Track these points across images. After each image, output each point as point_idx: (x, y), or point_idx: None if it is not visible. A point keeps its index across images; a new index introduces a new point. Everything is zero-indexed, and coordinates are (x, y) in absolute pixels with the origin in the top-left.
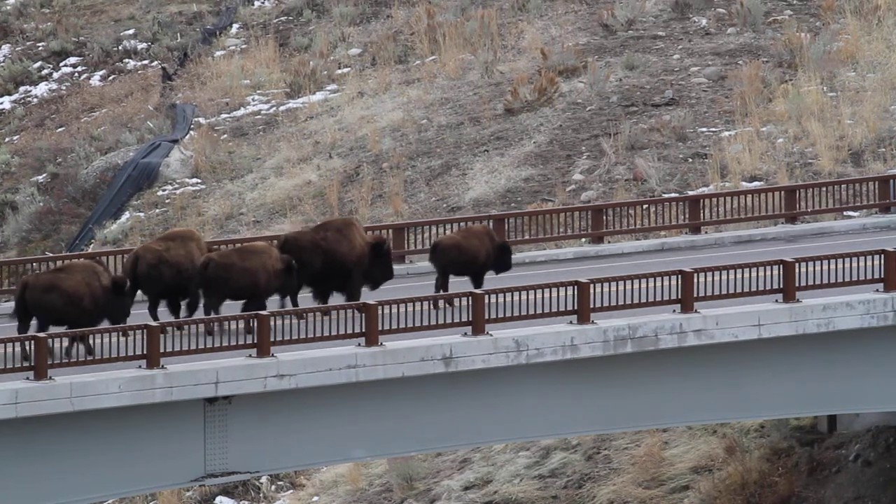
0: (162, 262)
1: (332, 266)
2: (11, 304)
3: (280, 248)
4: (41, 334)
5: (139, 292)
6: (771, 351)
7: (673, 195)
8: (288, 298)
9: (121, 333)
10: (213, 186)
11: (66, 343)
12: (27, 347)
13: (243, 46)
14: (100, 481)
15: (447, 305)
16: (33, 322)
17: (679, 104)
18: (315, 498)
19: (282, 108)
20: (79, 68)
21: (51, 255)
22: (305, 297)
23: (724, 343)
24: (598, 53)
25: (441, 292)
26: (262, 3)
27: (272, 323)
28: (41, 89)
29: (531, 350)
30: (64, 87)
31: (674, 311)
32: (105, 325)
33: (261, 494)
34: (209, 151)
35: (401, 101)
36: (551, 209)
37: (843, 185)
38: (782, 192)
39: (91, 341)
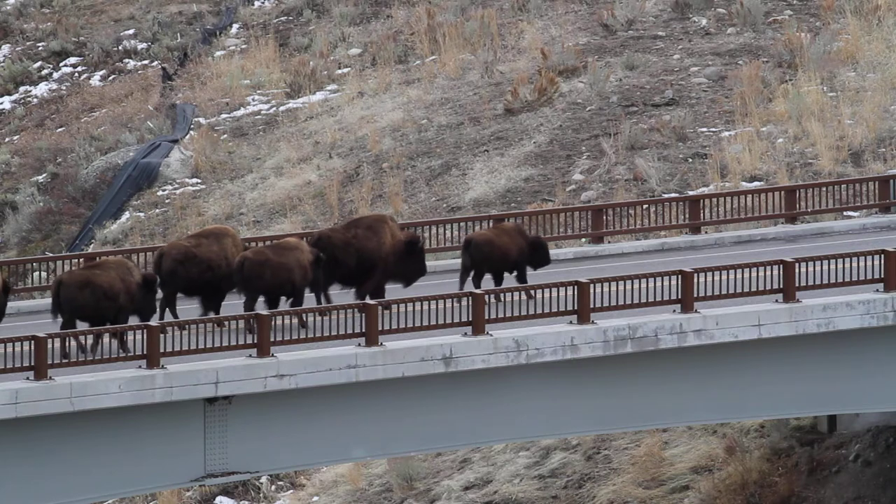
0: (189, 259)
1: (362, 263)
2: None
3: (312, 245)
4: (41, 334)
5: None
6: (771, 351)
7: (673, 195)
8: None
9: (119, 333)
10: (213, 186)
11: (90, 340)
12: (64, 343)
13: (243, 46)
14: (100, 481)
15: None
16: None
17: (679, 104)
18: (315, 498)
19: (282, 108)
20: (79, 68)
21: (50, 255)
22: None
23: (724, 343)
24: (598, 53)
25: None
26: (262, 3)
27: (273, 322)
28: (41, 89)
29: (531, 350)
30: (64, 87)
31: (674, 311)
32: (134, 320)
33: (261, 494)
34: (209, 151)
35: (401, 101)
36: (551, 209)
37: (843, 185)
38: (782, 192)
39: (91, 341)
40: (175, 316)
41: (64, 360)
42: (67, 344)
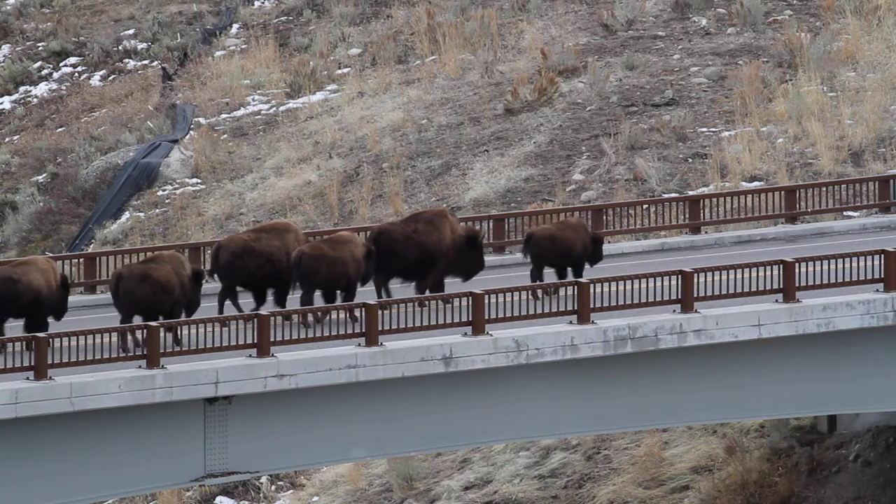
0: (247, 252)
1: (422, 257)
2: None
3: (373, 240)
4: (41, 334)
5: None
6: (771, 351)
7: (673, 195)
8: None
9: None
10: (213, 186)
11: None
12: (139, 335)
13: (243, 46)
14: (100, 481)
15: (444, 305)
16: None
17: (679, 104)
18: (315, 498)
19: (282, 108)
20: (79, 68)
21: (50, 255)
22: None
23: (724, 343)
24: (598, 53)
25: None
26: (262, 3)
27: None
28: (41, 89)
29: (531, 350)
30: (64, 87)
31: (674, 311)
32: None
33: (261, 494)
34: (209, 151)
35: (401, 101)
36: (551, 209)
37: (843, 185)
38: (782, 192)
39: (91, 340)
40: (238, 309)
41: (122, 354)
42: (128, 338)
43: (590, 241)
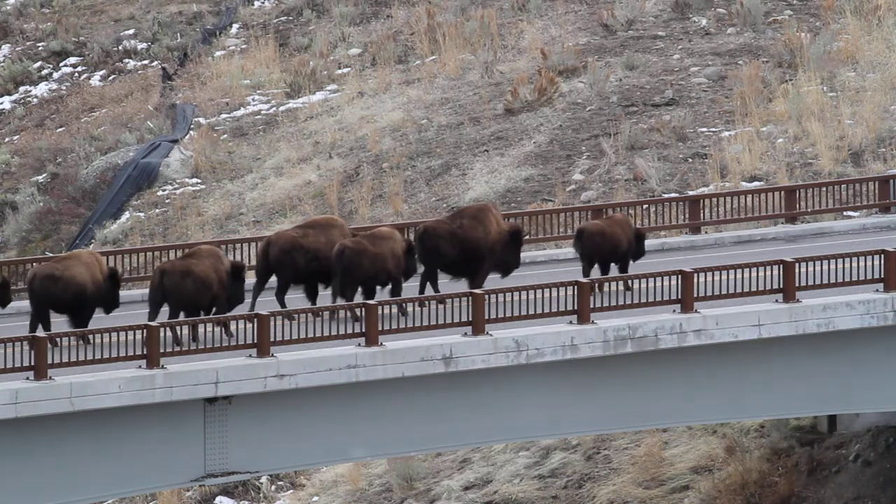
0: (295, 248)
1: (467, 253)
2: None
3: (419, 237)
4: (41, 334)
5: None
6: (771, 351)
7: (673, 195)
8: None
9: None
10: (213, 186)
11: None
12: (176, 332)
13: (243, 46)
14: (100, 481)
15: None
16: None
17: (679, 104)
18: (315, 498)
19: (282, 108)
20: (79, 68)
21: (50, 255)
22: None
23: (724, 343)
24: (598, 53)
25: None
26: (262, 3)
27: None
28: (41, 89)
29: (531, 350)
30: (64, 87)
31: (674, 311)
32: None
33: (261, 494)
34: (209, 151)
35: (401, 101)
36: (551, 209)
37: (843, 185)
38: (782, 192)
39: (91, 340)
40: (283, 305)
41: (177, 348)
42: (179, 332)
43: (633, 237)
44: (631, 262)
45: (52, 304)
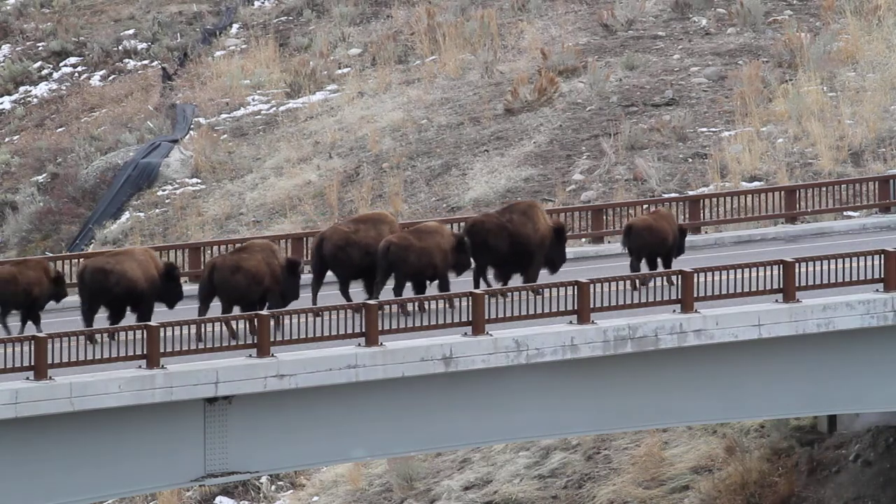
0: (349, 244)
1: (516, 248)
2: None
3: (467, 232)
4: (41, 334)
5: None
6: (771, 351)
7: (673, 195)
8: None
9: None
10: (213, 186)
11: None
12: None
13: (243, 46)
14: (100, 481)
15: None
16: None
17: (679, 104)
18: (315, 498)
19: (282, 108)
20: (79, 68)
21: (50, 255)
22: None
23: (724, 343)
24: (598, 53)
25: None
26: (262, 3)
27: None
28: (41, 89)
29: (531, 350)
30: (64, 87)
31: (674, 311)
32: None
33: (261, 494)
34: (209, 151)
35: (401, 101)
36: (551, 209)
37: (843, 185)
38: (782, 192)
39: (95, 339)
40: (348, 299)
41: (200, 345)
42: (202, 329)
43: (678, 232)
44: (675, 258)
45: (102, 297)
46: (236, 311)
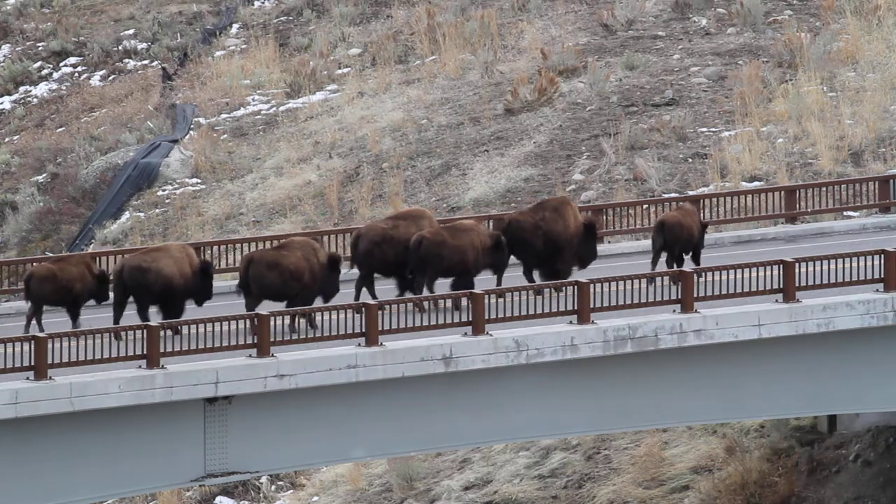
0: (386, 240)
1: (549, 245)
2: (12, 304)
3: (503, 230)
4: (41, 334)
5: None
6: (771, 351)
7: (673, 195)
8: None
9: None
10: (213, 186)
11: (287, 320)
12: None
13: (243, 46)
14: (100, 481)
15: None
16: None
17: (679, 104)
18: (315, 498)
19: (282, 108)
20: (79, 68)
21: (50, 255)
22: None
23: (724, 343)
24: (598, 53)
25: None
26: (262, 3)
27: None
28: (41, 89)
29: (531, 350)
30: (64, 87)
31: (674, 311)
32: (318, 302)
33: (261, 494)
34: (209, 151)
35: (401, 101)
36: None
37: (843, 185)
38: (782, 192)
39: (91, 341)
40: (374, 296)
41: (294, 336)
42: (297, 321)
43: (701, 228)
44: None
45: (138, 294)
46: (235, 311)
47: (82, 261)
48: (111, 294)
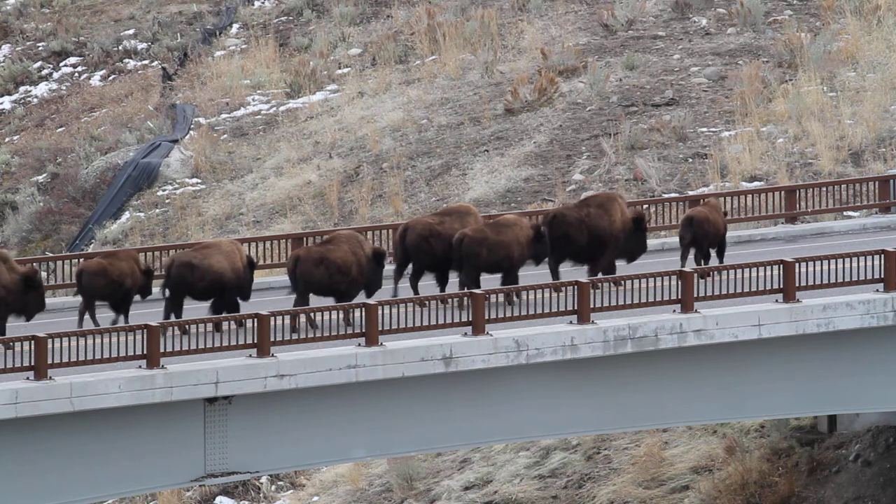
0: (433, 235)
1: (594, 240)
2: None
3: (547, 223)
4: (41, 334)
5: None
6: (771, 351)
7: (673, 195)
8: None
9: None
10: (213, 186)
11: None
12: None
13: (243, 46)
14: (100, 481)
15: (443, 305)
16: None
17: (679, 104)
18: (315, 498)
19: (282, 108)
20: (79, 68)
21: (50, 255)
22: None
23: (724, 343)
24: (598, 53)
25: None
26: (262, 3)
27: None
28: (41, 89)
29: (531, 350)
30: (64, 87)
31: (674, 311)
32: (361, 297)
33: (261, 494)
34: (209, 151)
35: (401, 101)
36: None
37: (843, 185)
38: (782, 192)
39: (91, 341)
40: (416, 291)
41: (293, 336)
42: (298, 321)
43: (725, 224)
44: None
45: (189, 291)
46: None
47: (130, 255)
48: (158, 290)
